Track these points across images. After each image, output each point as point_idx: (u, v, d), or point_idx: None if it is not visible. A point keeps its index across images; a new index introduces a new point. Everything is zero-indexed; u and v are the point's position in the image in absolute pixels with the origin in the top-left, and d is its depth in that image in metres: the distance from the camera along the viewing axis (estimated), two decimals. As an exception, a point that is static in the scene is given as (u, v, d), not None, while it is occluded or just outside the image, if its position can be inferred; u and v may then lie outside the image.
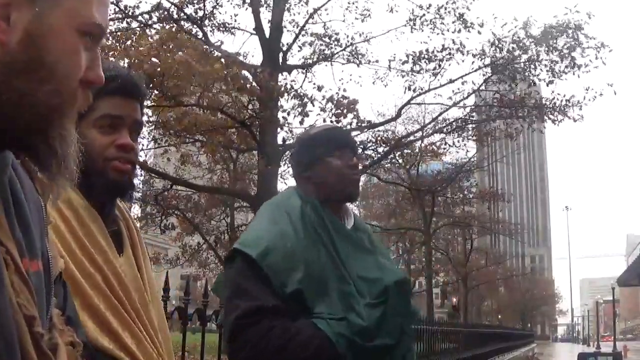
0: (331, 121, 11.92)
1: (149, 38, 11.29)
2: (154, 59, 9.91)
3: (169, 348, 1.43)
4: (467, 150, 20.81)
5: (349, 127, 12.32)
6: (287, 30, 13.97)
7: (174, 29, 11.70)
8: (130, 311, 1.30)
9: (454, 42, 13.48)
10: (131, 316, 1.30)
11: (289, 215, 1.81)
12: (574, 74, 12.98)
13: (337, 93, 11.84)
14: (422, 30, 14.00)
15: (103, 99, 1.37)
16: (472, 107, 15.70)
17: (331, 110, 11.72)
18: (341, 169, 1.87)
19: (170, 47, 10.13)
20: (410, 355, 1.83)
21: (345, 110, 11.67)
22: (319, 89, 11.76)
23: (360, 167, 1.94)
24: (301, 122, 11.88)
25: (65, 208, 1.30)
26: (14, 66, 0.68)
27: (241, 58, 11.93)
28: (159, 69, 9.65)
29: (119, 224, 1.44)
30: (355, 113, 11.94)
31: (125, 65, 10.11)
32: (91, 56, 0.76)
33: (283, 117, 12.26)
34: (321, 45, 14.20)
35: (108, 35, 9.88)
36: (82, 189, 1.34)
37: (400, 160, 19.55)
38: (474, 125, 16.17)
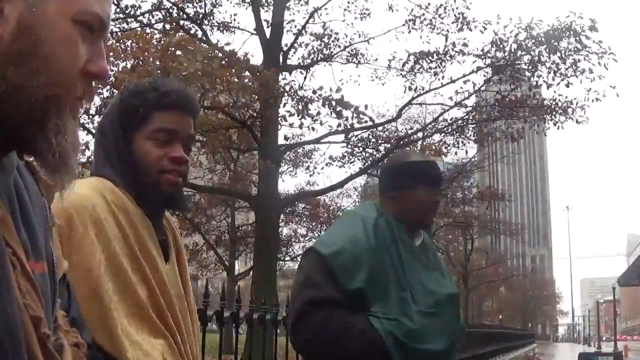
0: (332, 118, 11.98)
1: (149, 37, 11.30)
2: (157, 62, 9.91)
3: (198, 353, 1.48)
4: (467, 151, 20.77)
5: (349, 126, 12.33)
6: (287, 31, 14.00)
7: (177, 34, 11.68)
8: (169, 320, 1.34)
9: (454, 45, 13.46)
10: (170, 326, 1.34)
11: (364, 224, 2.01)
12: (577, 77, 12.87)
13: (330, 95, 11.83)
14: (422, 30, 14.00)
15: (159, 112, 1.42)
16: (473, 107, 15.66)
17: (330, 109, 11.72)
18: (424, 204, 2.07)
19: (174, 51, 10.12)
20: None
21: (342, 110, 11.70)
22: (314, 92, 11.77)
23: (440, 202, 2.17)
24: (301, 123, 11.90)
25: (121, 214, 1.35)
26: (8, 58, 0.68)
27: (241, 57, 11.93)
28: (159, 71, 9.65)
29: (167, 234, 1.49)
30: (352, 111, 11.95)
31: (128, 66, 10.13)
32: (93, 48, 0.75)
33: (284, 117, 12.28)
34: (320, 45, 14.21)
35: (109, 35, 9.87)
36: (135, 198, 1.39)
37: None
38: (474, 126, 16.13)
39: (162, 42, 10.54)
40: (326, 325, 1.84)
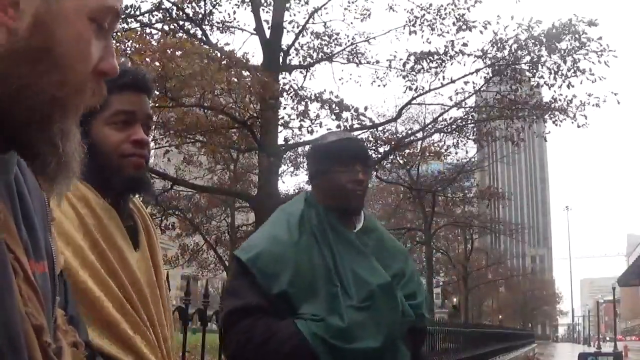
0: (331, 120, 11.99)
1: (149, 38, 11.28)
2: (156, 63, 9.89)
3: (173, 345, 1.43)
4: (467, 151, 20.79)
5: (349, 127, 12.33)
6: (287, 31, 13.99)
7: (177, 37, 11.66)
8: (140, 310, 1.29)
9: (452, 45, 13.45)
10: (141, 317, 1.29)
11: (288, 220, 1.90)
12: (577, 77, 12.86)
13: (329, 98, 11.82)
14: (423, 31, 13.99)
15: (114, 95, 1.36)
16: (473, 107, 15.65)
17: (329, 110, 11.73)
18: (345, 185, 1.89)
19: (174, 53, 10.11)
20: (404, 358, 1.81)
21: (341, 111, 11.69)
22: (317, 96, 11.76)
23: (367, 180, 1.97)
24: (301, 123, 11.90)
25: (82, 206, 1.29)
26: (22, 54, 0.65)
27: (241, 57, 11.92)
28: (160, 70, 9.64)
29: (135, 219, 1.44)
30: (352, 113, 11.94)
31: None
32: (104, 45, 0.72)
33: (284, 117, 12.27)
34: (320, 44, 14.20)
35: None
36: (96, 185, 1.33)
37: (401, 161, 19.57)
38: (474, 126, 16.13)
39: (161, 41, 10.51)
40: (251, 333, 1.74)
